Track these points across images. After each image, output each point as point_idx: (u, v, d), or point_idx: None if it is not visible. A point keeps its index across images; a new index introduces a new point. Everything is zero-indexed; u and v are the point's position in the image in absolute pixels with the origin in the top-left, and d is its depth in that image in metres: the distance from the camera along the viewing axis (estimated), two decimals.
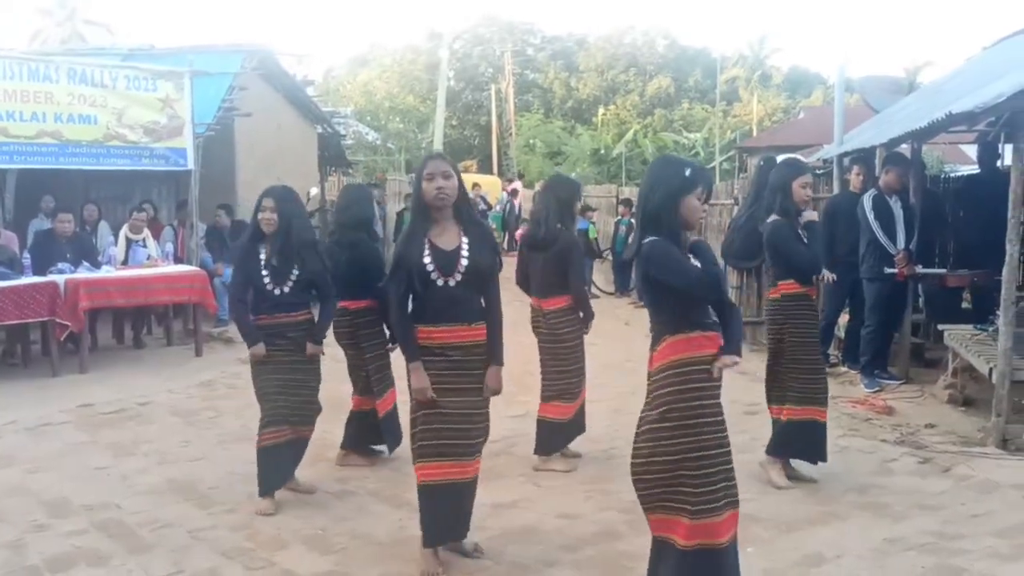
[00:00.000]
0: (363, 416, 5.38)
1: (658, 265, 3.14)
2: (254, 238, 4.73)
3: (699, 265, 3.19)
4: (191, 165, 9.70)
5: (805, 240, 4.86)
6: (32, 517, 4.49)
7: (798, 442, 4.94)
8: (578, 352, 5.35)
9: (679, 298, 3.16)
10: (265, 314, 4.68)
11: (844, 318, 7.82)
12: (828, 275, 4.84)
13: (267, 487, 4.63)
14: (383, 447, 5.46)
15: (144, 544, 4.18)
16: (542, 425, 5.34)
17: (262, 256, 4.67)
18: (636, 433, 3.22)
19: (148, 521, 4.45)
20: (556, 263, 5.25)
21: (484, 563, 3.91)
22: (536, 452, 5.35)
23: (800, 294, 4.88)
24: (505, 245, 20.44)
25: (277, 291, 4.65)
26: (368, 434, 5.42)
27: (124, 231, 9.33)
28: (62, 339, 8.02)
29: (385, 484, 4.99)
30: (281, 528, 4.36)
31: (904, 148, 7.85)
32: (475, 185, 20.16)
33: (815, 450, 4.92)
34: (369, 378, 5.29)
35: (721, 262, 8.93)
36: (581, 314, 5.34)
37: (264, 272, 4.65)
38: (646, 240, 3.20)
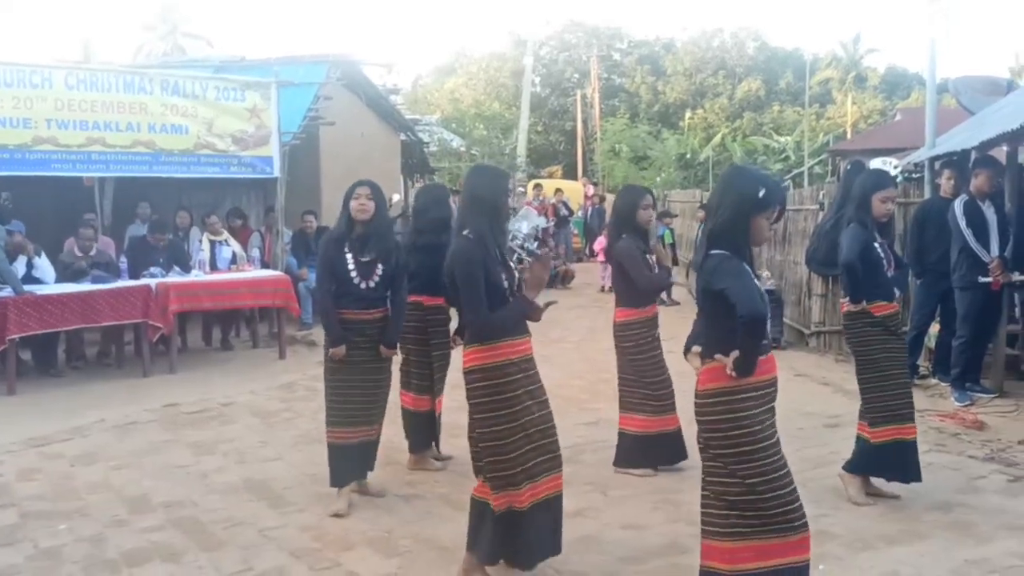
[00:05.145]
0: (420, 416, 5.40)
1: (723, 276, 3.03)
2: (343, 230, 4.70)
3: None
4: (277, 173, 9.95)
5: (881, 252, 4.63)
6: (113, 512, 4.68)
7: (883, 463, 4.65)
8: (649, 365, 5.18)
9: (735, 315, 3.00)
10: (349, 308, 4.65)
11: (935, 328, 7.49)
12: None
13: (337, 480, 4.69)
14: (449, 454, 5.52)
15: (216, 541, 4.30)
16: (621, 437, 5.29)
17: (347, 251, 4.64)
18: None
19: (222, 519, 4.58)
20: (618, 273, 5.27)
21: (545, 572, 3.87)
22: (614, 463, 5.29)
23: (856, 312, 4.65)
24: (587, 251, 20.33)
25: (363, 285, 4.65)
26: (427, 432, 5.46)
27: (205, 236, 9.70)
28: (154, 340, 8.33)
29: (453, 488, 5.00)
30: (348, 529, 4.43)
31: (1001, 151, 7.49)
32: (557, 191, 20.13)
33: (903, 470, 4.64)
34: (433, 375, 5.33)
35: (805, 268, 8.70)
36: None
37: (351, 266, 4.62)
38: (712, 252, 3.11)
